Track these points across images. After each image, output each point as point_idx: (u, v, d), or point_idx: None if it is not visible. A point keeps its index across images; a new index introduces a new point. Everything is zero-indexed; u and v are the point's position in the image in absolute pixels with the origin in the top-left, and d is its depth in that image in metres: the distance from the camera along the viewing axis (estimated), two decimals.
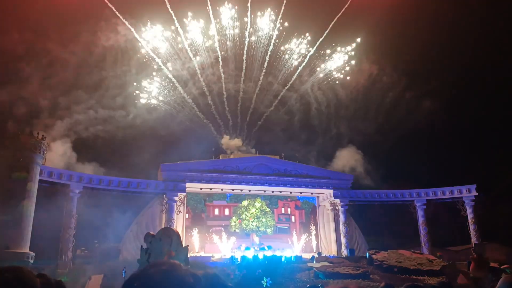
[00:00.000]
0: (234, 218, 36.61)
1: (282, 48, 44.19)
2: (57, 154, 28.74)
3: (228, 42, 43.07)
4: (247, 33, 42.72)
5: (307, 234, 37.81)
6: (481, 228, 34.76)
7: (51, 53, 35.99)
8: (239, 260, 28.35)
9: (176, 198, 33.06)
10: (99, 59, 39.30)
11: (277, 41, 43.42)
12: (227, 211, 36.93)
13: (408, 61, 45.06)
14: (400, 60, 44.61)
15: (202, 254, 33.56)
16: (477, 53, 43.13)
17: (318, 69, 45.26)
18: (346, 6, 40.50)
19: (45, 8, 35.20)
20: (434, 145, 45.27)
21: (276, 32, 42.95)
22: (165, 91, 42.49)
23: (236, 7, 41.78)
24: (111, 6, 36.91)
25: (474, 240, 34.19)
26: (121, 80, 40.15)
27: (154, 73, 41.85)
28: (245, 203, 37.14)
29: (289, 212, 38.55)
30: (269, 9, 42.28)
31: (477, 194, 35.61)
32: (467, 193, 35.96)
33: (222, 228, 35.95)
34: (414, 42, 45.16)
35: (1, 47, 33.65)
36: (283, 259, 31.14)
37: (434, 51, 46.75)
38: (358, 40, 43.49)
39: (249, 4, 41.59)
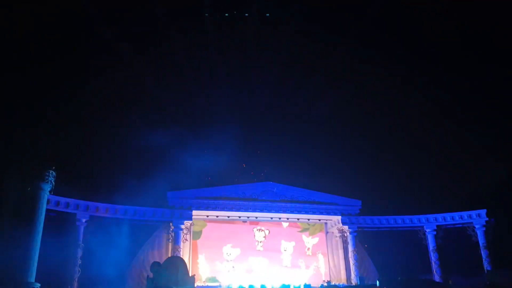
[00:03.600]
0: None
1: None
2: (60, 181, 28.65)
3: None
4: None
5: (316, 262, 37.25)
6: (493, 254, 34.07)
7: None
8: None
9: (182, 226, 32.89)
10: None
11: None
12: None
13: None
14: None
15: (209, 283, 33.13)
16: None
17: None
18: None
19: None
20: (440, 168, 44.91)
21: None
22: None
23: None
24: None
25: (486, 266, 33.49)
26: None
27: None
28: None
29: None
30: None
31: (487, 219, 35.12)
32: (477, 218, 35.50)
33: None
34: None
35: None
36: (291, 287, 30.64)
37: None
38: None
39: None
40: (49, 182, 25.90)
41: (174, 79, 44.02)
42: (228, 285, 32.17)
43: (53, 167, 26.48)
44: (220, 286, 32.62)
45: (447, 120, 45.04)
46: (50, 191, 26.47)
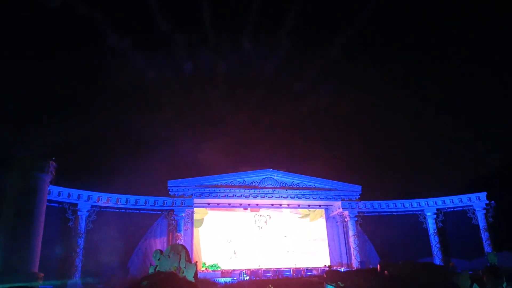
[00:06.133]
0: None
1: None
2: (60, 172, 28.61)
3: None
4: None
5: (317, 247, 37.45)
6: (493, 236, 34.27)
7: None
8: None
9: (183, 214, 33.00)
10: None
11: None
12: None
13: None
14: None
15: (212, 270, 33.38)
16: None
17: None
18: None
19: None
20: (440, 152, 44.93)
21: None
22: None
23: None
24: None
25: (487, 248, 33.69)
26: None
27: None
28: None
29: None
30: None
31: (488, 201, 35.24)
32: (477, 201, 35.61)
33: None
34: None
35: None
36: (293, 272, 30.88)
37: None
38: None
39: None
40: (50, 173, 25.94)
41: (172, 70, 43.90)
42: (231, 271, 32.38)
43: (54, 158, 26.50)
44: (221, 272, 32.85)
45: (446, 105, 45.02)
46: (50, 182, 26.54)
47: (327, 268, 32.25)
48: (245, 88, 46.25)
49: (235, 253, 35.17)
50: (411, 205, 37.09)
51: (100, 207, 30.93)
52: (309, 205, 37.86)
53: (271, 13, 43.85)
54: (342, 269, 32.97)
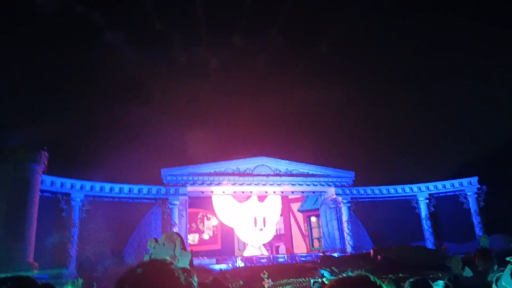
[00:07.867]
0: None
1: None
2: (53, 161, 28.37)
3: None
4: None
5: (311, 233, 37.78)
6: (485, 219, 34.72)
7: None
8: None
9: (177, 203, 32.98)
10: None
11: None
12: None
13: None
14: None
15: (206, 258, 33.59)
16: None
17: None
18: None
19: None
20: (432, 137, 45.23)
21: None
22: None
23: None
24: None
25: (478, 232, 34.16)
26: None
27: None
28: None
29: None
30: None
31: (479, 186, 35.61)
32: (469, 186, 35.97)
33: None
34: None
35: None
36: (288, 258, 31.18)
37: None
38: None
39: None
40: (42, 163, 25.76)
41: (164, 60, 43.56)
42: (225, 259, 32.61)
43: (45, 148, 26.29)
44: (217, 259, 33.04)
45: (437, 89, 45.19)
46: (43, 172, 26.37)
47: (321, 253, 32.62)
48: (237, 77, 46.14)
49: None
50: (404, 191, 37.35)
51: (94, 196, 30.76)
52: (303, 192, 38.03)
53: (263, 3, 43.51)
54: (336, 255, 33.39)
